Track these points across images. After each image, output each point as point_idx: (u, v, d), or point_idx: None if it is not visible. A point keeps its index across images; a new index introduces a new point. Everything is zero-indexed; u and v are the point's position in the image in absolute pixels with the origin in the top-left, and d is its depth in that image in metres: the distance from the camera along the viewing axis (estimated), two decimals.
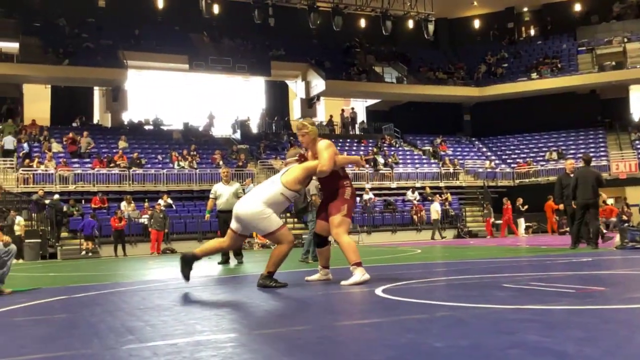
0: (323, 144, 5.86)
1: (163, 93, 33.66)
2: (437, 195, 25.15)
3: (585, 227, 11.48)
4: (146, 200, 22.24)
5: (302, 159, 6.04)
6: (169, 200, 22.45)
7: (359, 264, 5.73)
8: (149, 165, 24.58)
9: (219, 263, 10.91)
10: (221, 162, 24.52)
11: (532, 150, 32.27)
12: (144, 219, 21.08)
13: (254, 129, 31.98)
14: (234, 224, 5.76)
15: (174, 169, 24.48)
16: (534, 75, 32.99)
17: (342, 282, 5.69)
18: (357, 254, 5.77)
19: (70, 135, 24.97)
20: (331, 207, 5.87)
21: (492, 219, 24.56)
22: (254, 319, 4.06)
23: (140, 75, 31.55)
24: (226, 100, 34.35)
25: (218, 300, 5.05)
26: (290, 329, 3.52)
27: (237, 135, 30.32)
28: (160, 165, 24.75)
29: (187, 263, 5.66)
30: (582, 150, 29.66)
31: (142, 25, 30.39)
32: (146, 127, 29.94)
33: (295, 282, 6.07)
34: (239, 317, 4.13)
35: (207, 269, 9.88)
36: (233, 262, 10.99)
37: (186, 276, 5.71)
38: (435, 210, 23.56)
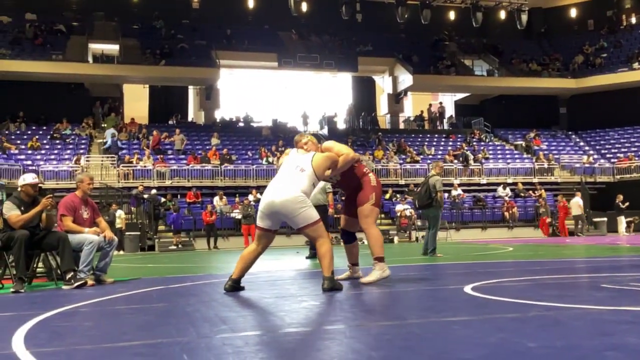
0: (329, 142, 5.79)
1: (253, 90, 34.50)
2: (578, 192, 23.87)
3: None
4: (237, 195, 22.86)
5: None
6: (259, 196, 22.93)
7: (381, 259, 5.60)
8: (239, 161, 25.25)
9: (307, 257, 11.06)
10: None
11: (634, 144, 30.44)
12: (235, 214, 21.68)
13: (341, 124, 32.11)
14: (264, 221, 5.24)
15: (263, 164, 25.01)
16: (635, 65, 31.13)
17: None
18: (382, 248, 5.66)
19: (155, 133, 25.86)
20: (360, 196, 5.65)
21: (549, 218, 23.51)
22: (339, 312, 4.10)
23: (232, 73, 32.45)
24: (314, 96, 34.71)
25: (305, 293, 5.13)
26: (378, 323, 3.53)
27: (325, 131, 30.54)
28: (250, 161, 25.36)
29: (234, 289, 5.28)
30: None
31: (234, 25, 31.24)
32: (237, 125, 30.76)
33: (391, 277, 6.04)
34: (325, 311, 4.18)
35: (296, 263, 10.05)
36: None
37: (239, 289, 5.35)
38: (577, 204, 22.42)
